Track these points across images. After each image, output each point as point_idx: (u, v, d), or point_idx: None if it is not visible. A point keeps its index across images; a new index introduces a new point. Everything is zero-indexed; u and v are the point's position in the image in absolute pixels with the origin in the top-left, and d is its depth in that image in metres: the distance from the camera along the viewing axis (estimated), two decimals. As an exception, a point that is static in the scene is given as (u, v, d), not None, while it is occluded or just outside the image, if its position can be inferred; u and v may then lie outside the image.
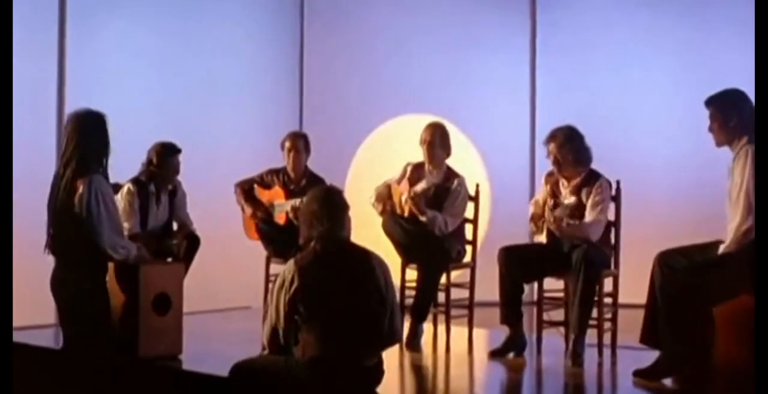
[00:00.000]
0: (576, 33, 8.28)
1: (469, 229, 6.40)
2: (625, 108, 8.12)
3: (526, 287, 5.79)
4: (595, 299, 5.46)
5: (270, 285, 5.13)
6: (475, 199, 6.42)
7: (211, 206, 6.91)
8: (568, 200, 5.64)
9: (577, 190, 5.67)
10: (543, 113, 8.34)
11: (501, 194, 8.22)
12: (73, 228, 4.78)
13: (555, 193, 5.79)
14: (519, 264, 5.61)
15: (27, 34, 6.43)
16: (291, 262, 4.24)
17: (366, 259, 4.27)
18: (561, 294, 5.88)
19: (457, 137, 6.82)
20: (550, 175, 5.87)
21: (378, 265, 4.28)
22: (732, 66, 7.26)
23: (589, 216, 5.57)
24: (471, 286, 6.34)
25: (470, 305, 6.32)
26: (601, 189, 5.62)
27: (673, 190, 8.07)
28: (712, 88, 4.88)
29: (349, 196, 4.42)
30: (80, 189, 4.76)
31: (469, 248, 6.37)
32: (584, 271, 5.36)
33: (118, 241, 4.90)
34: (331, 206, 4.27)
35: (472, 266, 6.39)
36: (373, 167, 7.29)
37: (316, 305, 4.14)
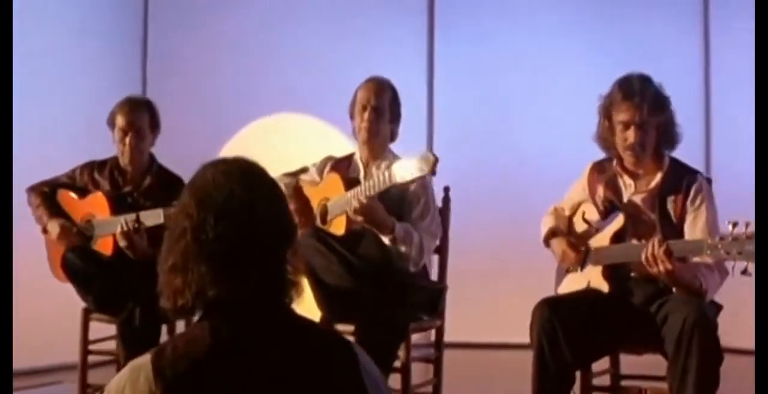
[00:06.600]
0: (477, 23, 6.62)
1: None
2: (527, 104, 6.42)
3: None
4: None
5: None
6: (444, 211, 3.80)
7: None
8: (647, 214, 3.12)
9: (656, 198, 3.14)
10: (441, 109, 6.47)
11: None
12: None
13: (610, 202, 3.23)
14: (573, 336, 2.99)
15: None
16: (144, 366, 1.61)
17: (340, 356, 1.67)
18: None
19: (338, 139, 5.30)
20: (600, 169, 3.31)
21: (367, 370, 1.69)
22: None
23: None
24: (437, 361, 3.71)
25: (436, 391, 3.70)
26: (706, 198, 3.12)
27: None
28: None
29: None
30: None
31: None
32: (701, 344, 2.83)
33: None
34: (256, 214, 1.70)
35: (439, 327, 3.74)
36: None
37: None
